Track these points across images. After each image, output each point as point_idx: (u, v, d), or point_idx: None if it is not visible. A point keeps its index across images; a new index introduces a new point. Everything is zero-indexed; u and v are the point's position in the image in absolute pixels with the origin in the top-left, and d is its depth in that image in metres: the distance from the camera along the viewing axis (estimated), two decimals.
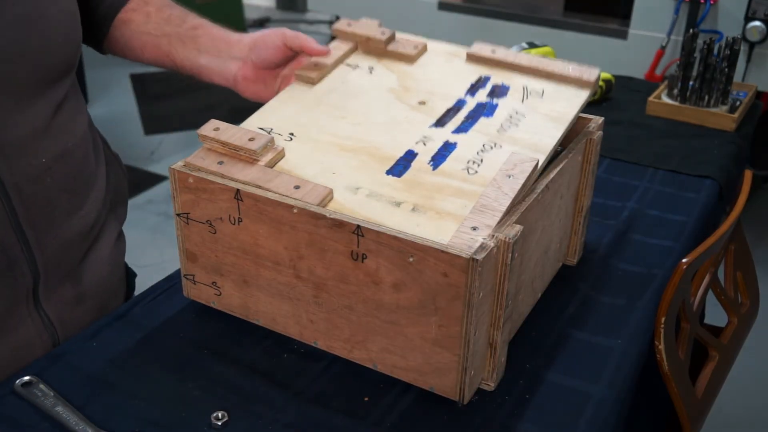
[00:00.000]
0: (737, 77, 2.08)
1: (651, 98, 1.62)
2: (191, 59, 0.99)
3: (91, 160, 0.93)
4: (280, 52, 0.98)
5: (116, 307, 0.99)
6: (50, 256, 0.86)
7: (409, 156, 0.85)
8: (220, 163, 0.82)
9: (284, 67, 1.01)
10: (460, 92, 0.96)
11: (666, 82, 1.67)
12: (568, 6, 2.99)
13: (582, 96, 0.96)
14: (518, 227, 0.75)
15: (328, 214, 0.76)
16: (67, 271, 0.91)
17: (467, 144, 0.87)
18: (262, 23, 5.60)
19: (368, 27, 1.03)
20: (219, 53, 0.99)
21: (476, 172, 0.82)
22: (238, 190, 0.80)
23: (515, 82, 0.98)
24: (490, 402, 0.80)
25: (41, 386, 0.79)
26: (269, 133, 0.87)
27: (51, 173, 0.84)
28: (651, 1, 2.66)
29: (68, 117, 0.87)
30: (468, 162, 0.84)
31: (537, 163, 0.81)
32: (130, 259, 1.10)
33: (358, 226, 0.74)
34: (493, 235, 0.74)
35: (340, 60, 1.01)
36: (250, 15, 5.47)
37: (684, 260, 0.94)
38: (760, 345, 1.94)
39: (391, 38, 1.02)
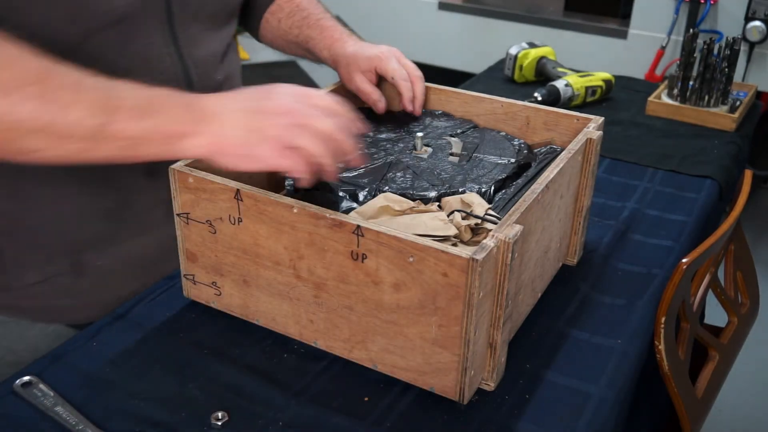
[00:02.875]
0: (737, 77, 2.08)
1: (651, 98, 1.62)
2: (314, 59, 1.15)
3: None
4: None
5: None
6: None
7: None
8: None
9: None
10: None
11: (666, 82, 1.67)
12: (568, 6, 2.99)
13: None
14: (518, 227, 0.75)
15: (328, 214, 0.76)
16: None
17: None
18: None
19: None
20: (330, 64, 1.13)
21: None
22: (238, 190, 0.80)
23: None
24: (490, 402, 0.80)
25: (41, 386, 0.79)
26: None
27: (221, 91, 0.94)
28: (651, 1, 2.66)
29: (233, 50, 1.09)
30: None
31: None
32: None
33: (358, 226, 0.74)
34: (493, 235, 0.74)
35: None
36: None
37: (684, 260, 0.94)
38: (760, 345, 1.94)
39: None
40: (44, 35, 0.78)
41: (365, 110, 1.11)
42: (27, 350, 0.97)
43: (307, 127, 0.73)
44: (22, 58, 0.69)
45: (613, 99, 1.70)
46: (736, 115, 1.55)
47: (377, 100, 1.06)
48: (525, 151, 1.00)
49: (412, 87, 1.05)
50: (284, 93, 0.75)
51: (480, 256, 0.69)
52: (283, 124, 0.73)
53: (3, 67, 0.68)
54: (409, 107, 1.06)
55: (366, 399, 0.80)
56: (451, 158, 0.98)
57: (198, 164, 0.85)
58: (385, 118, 1.09)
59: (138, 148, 0.72)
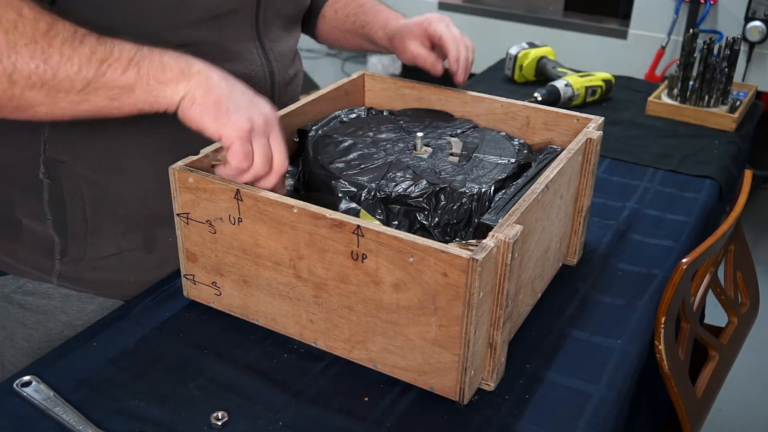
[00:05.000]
0: (737, 77, 2.08)
1: (651, 98, 1.62)
2: (371, 47, 1.19)
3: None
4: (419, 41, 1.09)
5: None
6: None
7: None
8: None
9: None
10: None
11: (666, 82, 1.67)
12: (568, 6, 2.99)
13: None
14: (518, 227, 0.75)
15: (328, 214, 0.76)
16: None
17: None
18: None
19: None
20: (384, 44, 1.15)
21: None
22: (238, 190, 0.80)
23: None
24: (490, 402, 0.80)
25: (41, 386, 0.79)
26: None
27: (292, 84, 1.09)
28: (651, 1, 2.66)
29: (297, 51, 1.14)
30: None
31: None
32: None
33: (358, 226, 0.74)
34: (494, 235, 0.74)
35: None
36: None
37: (684, 260, 0.94)
38: (760, 345, 1.94)
39: None
40: (147, 23, 0.85)
41: (368, 109, 1.11)
42: (85, 326, 0.98)
43: (266, 138, 0.80)
44: (25, 17, 0.74)
45: (613, 99, 1.70)
46: (736, 115, 1.55)
47: (433, 62, 1.07)
48: (525, 151, 1.00)
49: (458, 49, 1.06)
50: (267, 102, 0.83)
51: (480, 256, 0.69)
52: (260, 113, 0.80)
53: (9, 27, 0.73)
54: (454, 66, 1.06)
55: (366, 399, 0.80)
56: (451, 158, 0.98)
57: (198, 164, 0.85)
58: (386, 119, 1.09)
59: (124, 97, 0.77)
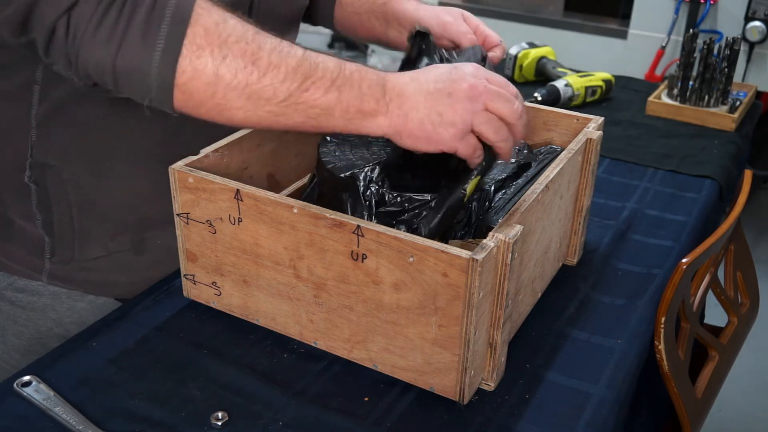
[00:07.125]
0: (737, 77, 2.08)
1: (651, 98, 1.62)
2: (384, 33, 1.09)
3: None
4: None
5: None
6: None
7: None
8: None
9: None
10: None
11: (666, 82, 1.67)
12: (568, 6, 2.99)
13: None
14: (518, 227, 0.75)
15: (328, 214, 0.76)
16: None
17: None
18: None
19: None
20: (402, 27, 1.07)
21: None
22: (238, 190, 0.80)
23: None
24: (490, 402, 0.80)
25: (41, 386, 0.79)
26: None
27: None
28: (651, 1, 2.66)
29: None
30: None
31: None
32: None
33: (358, 226, 0.74)
34: (494, 235, 0.74)
35: None
36: None
37: (684, 260, 0.94)
38: (760, 345, 1.94)
39: None
40: None
41: None
42: (75, 323, 0.99)
43: (486, 112, 0.76)
44: (234, 17, 0.73)
45: (613, 99, 1.70)
46: (736, 115, 1.55)
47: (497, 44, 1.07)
48: (525, 151, 1.00)
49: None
50: (467, 74, 0.76)
51: (480, 256, 0.69)
52: (464, 108, 0.75)
53: (220, 21, 0.71)
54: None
55: (366, 399, 0.80)
56: None
57: (198, 164, 0.85)
58: None
59: (323, 119, 0.75)
